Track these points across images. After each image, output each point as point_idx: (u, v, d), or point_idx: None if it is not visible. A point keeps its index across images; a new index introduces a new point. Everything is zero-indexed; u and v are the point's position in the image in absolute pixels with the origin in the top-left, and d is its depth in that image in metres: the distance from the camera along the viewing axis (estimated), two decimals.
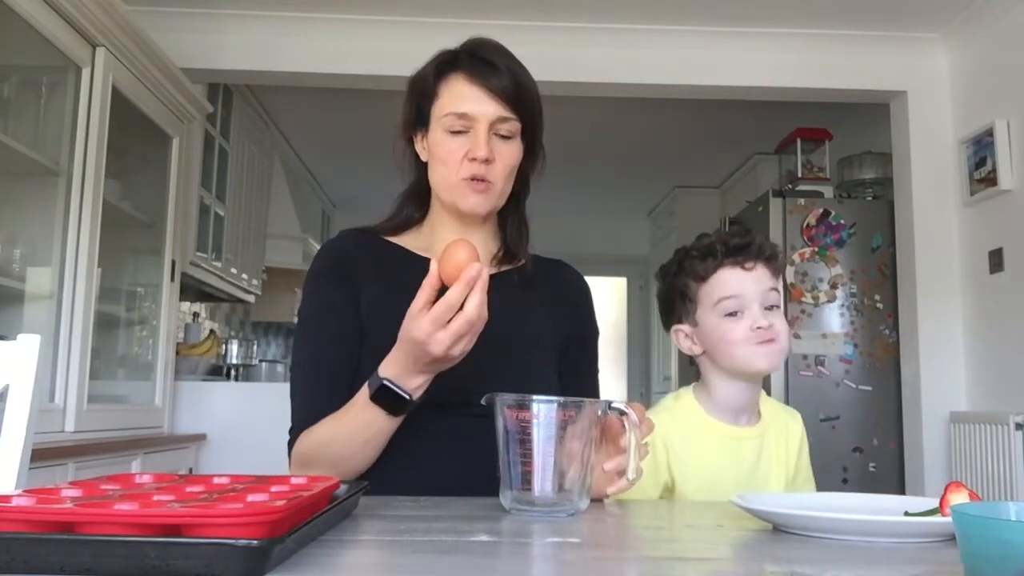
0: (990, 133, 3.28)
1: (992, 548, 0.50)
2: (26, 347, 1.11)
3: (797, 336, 3.89)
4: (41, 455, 2.05)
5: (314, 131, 5.18)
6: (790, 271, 3.97)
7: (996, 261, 3.28)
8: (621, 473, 0.96)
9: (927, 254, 3.58)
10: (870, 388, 3.95)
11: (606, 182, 6.24)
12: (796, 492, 1.34)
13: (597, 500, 1.02)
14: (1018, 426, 2.99)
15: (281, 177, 5.13)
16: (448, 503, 1.00)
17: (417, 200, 1.32)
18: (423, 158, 1.27)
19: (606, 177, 6.10)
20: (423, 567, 0.66)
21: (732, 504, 0.89)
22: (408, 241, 1.30)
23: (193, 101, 3.23)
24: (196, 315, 4.52)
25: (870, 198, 4.25)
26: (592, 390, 1.33)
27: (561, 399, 0.93)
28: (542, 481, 0.92)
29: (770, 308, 1.31)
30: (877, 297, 4.00)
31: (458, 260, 0.96)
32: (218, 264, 3.97)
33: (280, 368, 4.34)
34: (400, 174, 1.32)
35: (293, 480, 0.82)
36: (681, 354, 1.43)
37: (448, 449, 1.16)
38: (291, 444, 1.18)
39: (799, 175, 4.32)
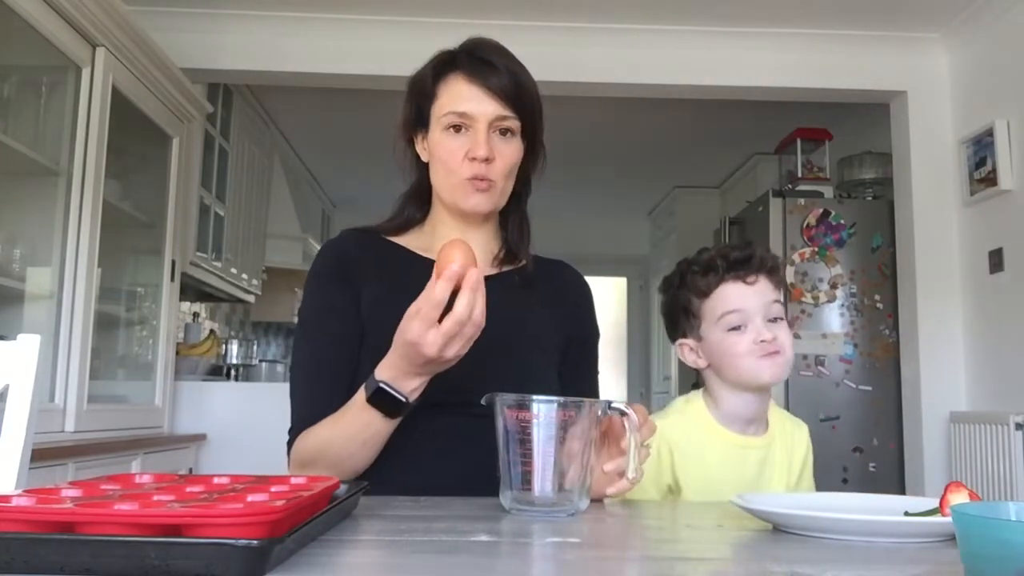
0: (990, 133, 3.28)
1: (992, 548, 0.50)
2: (26, 347, 1.11)
3: (797, 336, 3.89)
4: (41, 455, 2.05)
5: (314, 131, 5.19)
6: (790, 271, 3.97)
7: (996, 261, 3.28)
8: (621, 474, 0.96)
9: (927, 254, 3.58)
10: (870, 388, 3.95)
11: (606, 182, 6.24)
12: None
13: (597, 500, 1.02)
14: (1018, 426, 2.99)
15: (281, 177, 5.14)
16: (448, 503, 1.00)
17: (418, 200, 1.32)
18: (424, 158, 1.28)
19: (606, 177, 6.10)
20: (423, 567, 0.66)
21: (732, 504, 0.89)
22: (409, 241, 1.30)
23: (193, 101, 3.23)
24: (196, 315, 4.52)
25: (870, 198, 4.25)
26: (592, 391, 1.33)
27: (561, 399, 0.93)
28: (542, 481, 0.92)
29: (773, 320, 1.31)
30: (877, 297, 4.00)
31: (452, 261, 0.96)
32: (218, 264, 3.97)
33: (280, 368, 4.34)
34: (401, 174, 1.32)
35: (293, 480, 0.82)
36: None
37: (449, 449, 1.16)
38: (290, 444, 1.18)
39: (799, 175, 4.33)
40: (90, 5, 2.41)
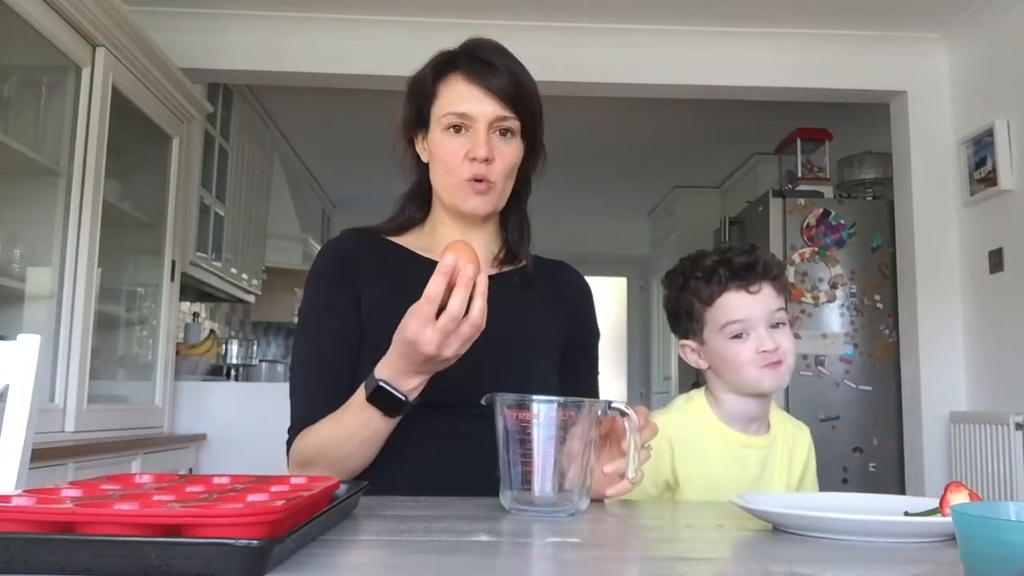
0: (990, 133, 3.28)
1: (992, 548, 0.50)
2: (26, 347, 1.11)
3: (797, 336, 3.89)
4: (41, 455, 2.05)
5: (314, 131, 5.19)
6: (790, 271, 3.97)
7: (996, 261, 3.28)
8: (622, 475, 0.96)
9: (927, 254, 3.58)
10: (870, 388, 3.95)
11: (606, 182, 6.24)
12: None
13: (597, 501, 1.02)
14: (1018, 426, 2.99)
15: (281, 177, 5.14)
16: (448, 503, 1.00)
17: (419, 201, 1.32)
18: (424, 159, 1.28)
19: (606, 177, 6.10)
20: (423, 567, 0.66)
21: (732, 504, 0.89)
22: (410, 241, 1.30)
23: (193, 101, 3.23)
24: (196, 315, 4.52)
25: (870, 198, 4.25)
26: (592, 391, 1.33)
27: (561, 399, 0.93)
28: (542, 481, 0.92)
29: (775, 326, 1.30)
30: (877, 297, 4.00)
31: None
32: (218, 264, 3.97)
33: (280, 368, 4.34)
34: (401, 175, 1.32)
35: (293, 480, 0.82)
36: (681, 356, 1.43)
37: (449, 449, 1.16)
38: (290, 443, 1.18)
39: (799, 175, 4.33)
40: (90, 5, 2.41)
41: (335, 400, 1.12)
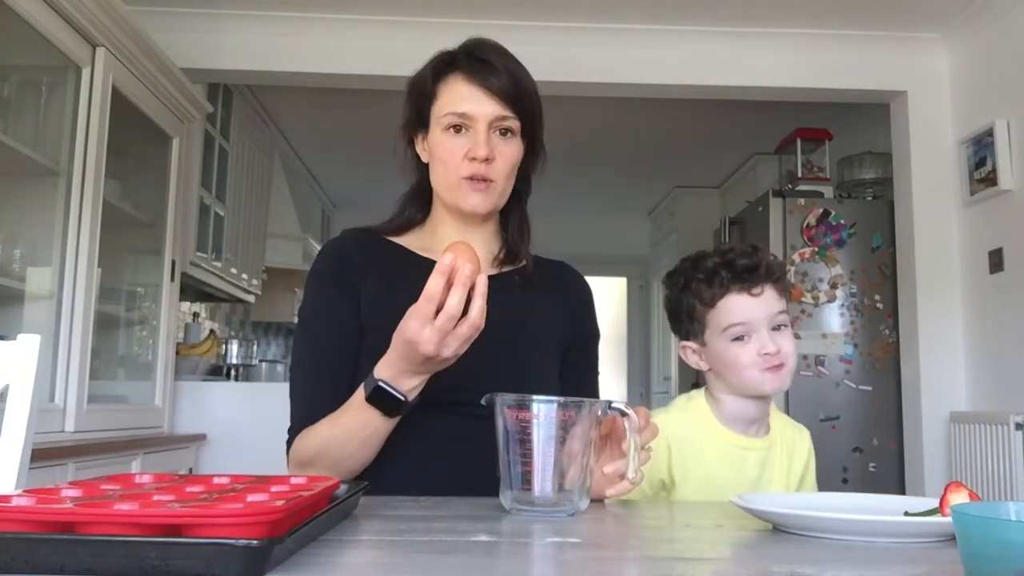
0: (990, 133, 3.28)
1: (992, 548, 0.50)
2: (26, 347, 1.11)
3: (797, 336, 3.89)
4: (41, 455, 2.05)
5: (314, 131, 5.19)
6: (790, 271, 3.97)
7: (996, 261, 3.28)
8: (622, 476, 0.96)
9: (927, 254, 3.58)
10: (870, 388, 3.95)
11: (606, 182, 6.24)
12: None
13: (597, 501, 1.02)
14: (1018, 426, 2.99)
15: (281, 177, 5.14)
16: (448, 503, 1.00)
17: (419, 201, 1.32)
18: (424, 159, 1.28)
19: (606, 177, 6.10)
20: (423, 567, 0.66)
21: (732, 504, 0.89)
22: (410, 241, 1.30)
23: (193, 101, 3.23)
24: (196, 315, 4.52)
25: (870, 198, 4.25)
26: (592, 391, 1.33)
27: (561, 399, 0.93)
28: (542, 481, 0.92)
29: (777, 328, 1.30)
30: (877, 297, 4.00)
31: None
32: (218, 264, 3.97)
33: (280, 368, 4.34)
34: (401, 175, 1.32)
35: (293, 480, 0.82)
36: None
37: (449, 449, 1.16)
38: (289, 443, 1.18)
39: (799, 175, 4.33)
40: (90, 5, 2.41)
41: (335, 400, 1.12)
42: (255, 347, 4.60)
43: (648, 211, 7.07)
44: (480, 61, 1.21)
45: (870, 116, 4.18)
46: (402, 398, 1.04)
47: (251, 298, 4.71)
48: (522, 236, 1.32)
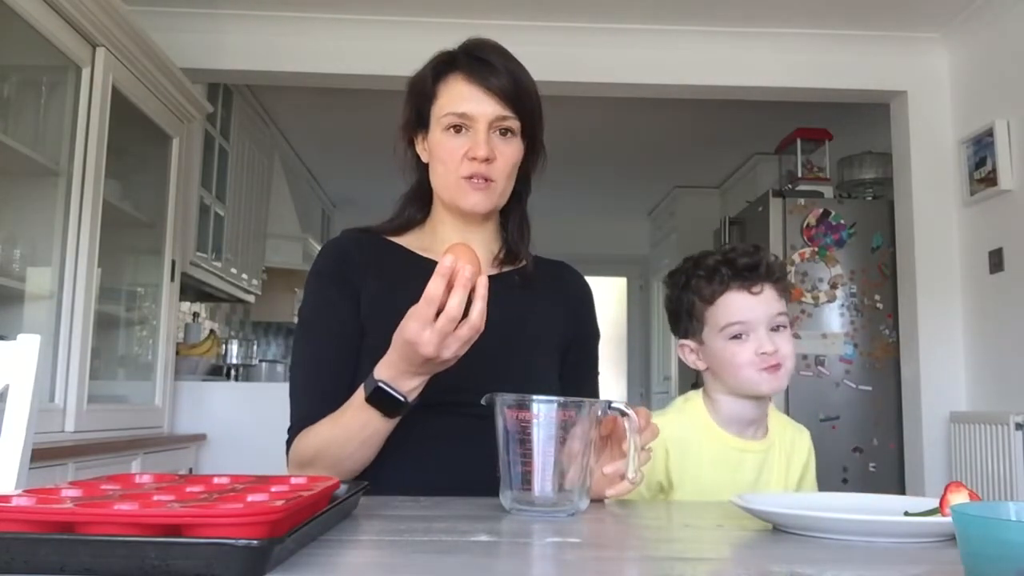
0: (990, 133, 3.28)
1: (992, 548, 0.50)
2: (26, 347, 1.11)
3: (797, 336, 3.89)
4: (41, 455, 2.05)
5: (314, 131, 5.19)
6: (790, 271, 3.97)
7: (996, 261, 3.28)
8: (622, 476, 0.96)
9: (927, 254, 3.58)
10: (870, 388, 3.95)
11: (606, 182, 6.24)
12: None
13: (597, 501, 1.02)
14: (1018, 426, 2.99)
15: (281, 177, 5.14)
16: (448, 503, 1.00)
17: (419, 201, 1.32)
18: (424, 159, 1.28)
19: (606, 177, 6.10)
20: (423, 567, 0.66)
21: (732, 504, 0.89)
22: (410, 241, 1.30)
23: (193, 101, 3.23)
24: (196, 315, 4.52)
25: (870, 198, 4.25)
26: (592, 392, 1.33)
27: (561, 399, 0.93)
28: (542, 481, 0.92)
29: (776, 329, 1.30)
30: (877, 297, 4.00)
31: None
32: (218, 264, 3.97)
33: (280, 368, 4.34)
34: (401, 175, 1.32)
35: (293, 480, 0.82)
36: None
37: (449, 449, 1.16)
38: (289, 443, 1.18)
39: (799, 175, 4.33)
40: (90, 5, 2.41)
41: (335, 400, 1.12)
42: (255, 347, 4.60)
43: (648, 211, 7.07)
44: (480, 61, 1.21)
45: (870, 116, 4.18)
46: (402, 399, 1.04)
47: (251, 298, 4.71)
48: (522, 236, 1.31)
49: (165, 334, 3.16)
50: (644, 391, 7.15)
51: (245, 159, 4.38)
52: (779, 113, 4.33)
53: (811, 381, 3.94)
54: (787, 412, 1.84)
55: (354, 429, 1.08)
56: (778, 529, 0.84)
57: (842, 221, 4.06)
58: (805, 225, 4.05)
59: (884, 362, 3.94)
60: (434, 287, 0.95)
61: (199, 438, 3.35)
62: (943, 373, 3.51)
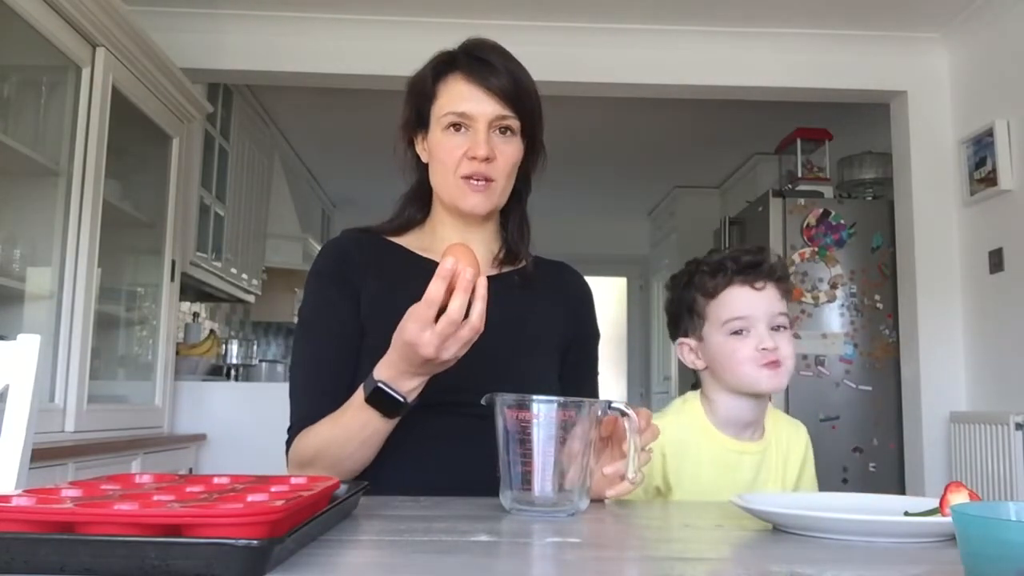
0: (990, 133, 3.28)
1: (992, 548, 0.50)
2: (26, 347, 1.11)
3: (797, 336, 3.89)
4: (41, 455, 2.05)
5: (314, 131, 5.19)
6: (790, 271, 3.96)
7: (996, 261, 3.28)
8: (622, 476, 0.96)
9: (927, 254, 3.58)
10: (870, 388, 3.95)
11: (606, 182, 6.24)
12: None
13: (597, 501, 1.02)
14: (1018, 426, 2.99)
15: (281, 177, 5.14)
16: (448, 503, 1.00)
17: (419, 201, 1.32)
18: (424, 159, 1.28)
19: (606, 177, 6.10)
20: (423, 567, 0.66)
21: (732, 504, 0.89)
22: (410, 241, 1.30)
23: (193, 101, 3.23)
24: (196, 315, 4.52)
25: (870, 198, 4.25)
26: (592, 392, 1.33)
27: (561, 399, 0.93)
28: (542, 481, 0.92)
29: (776, 329, 1.30)
30: (877, 297, 4.00)
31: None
32: (218, 264, 3.97)
33: (280, 368, 4.34)
34: (401, 176, 1.33)
35: (293, 480, 0.82)
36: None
37: (449, 449, 1.16)
38: (289, 443, 1.18)
39: (799, 175, 4.33)
40: (90, 5, 2.41)
41: (335, 400, 1.12)
42: (255, 347, 4.60)
43: (648, 211, 7.07)
44: (480, 61, 1.21)
45: (870, 116, 4.18)
46: (401, 399, 1.04)
47: (251, 298, 4.71)
48: (522, 236, 1.32)
49: (165, 334, 3.16)
50: (644, 391, 7.15)
51: (245, 159, 4.38)
52: (779, 113, 4.33)
53: (811, 381, 3.94)
54: (787, 412, 1.83)
55: (354, 429, 1.08)
56: (778, 529, 0.84)
57: (842, 221, 4.06)
58: (805, 225, 4.05)
59: (884, 362, 3.94)
60: (435, 289, 0.95)
61: (199, 438, 3.35)
62: (943, 373, 3.51)
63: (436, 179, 1.25)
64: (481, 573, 0.65)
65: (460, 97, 1.20)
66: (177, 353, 3.44)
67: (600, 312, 1.39)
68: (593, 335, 1.37)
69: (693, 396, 1.39)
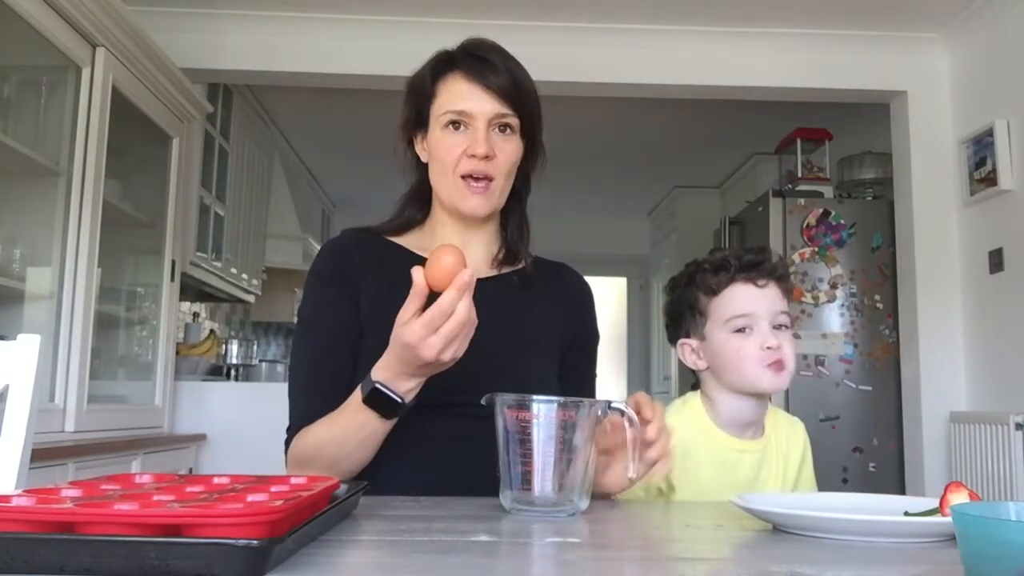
0: (990, 133, 3.27)
1: (992, 548, 0.50)
2: (26, 347, 1.11)
3: (797, 336, 3.89)
4: (41, 455, 2.05)
5: (314, 131, 5.19)
6: (790, 271, 3.96)
7: (996, 261, 3.28)
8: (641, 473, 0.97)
9: (927, 254, 3.58)
10: (870, 388, 3.95)
11: (606, 182, 6.24)
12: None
13: (602, 498, 1.02)
14: (1018, 426, 2.99)
15: (281, 177, 5.14)
16: (448, 503, 1.00)
17: (419, 201, 1.32)
18: (423, 159, 1.28)
19: (606, 177, 6.10)
20: (423, 567, 0.66)
21: (732, 504, 0.89)
22: (410, 241, 1.30)
23: (193, 101, 3.23)
24: (196, 315, 4.52)
25: (870, 198, 4.25)
26: (590, 393, 1.33)
27: (561, 399, 0.93)
28: (542, 481, 0.92)
29: (778, 328, 1.30)
30: (877, 297, 4.00)
31: (445, 264, 0.96)
32: (218, 264, 3.97)
33: (280, 368, 4.33)
34: (401, 176, 1.32)
35: (293, 480, 0.82)
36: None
37: (449, 450, 1.16)
38: (288, 443, 1.18)
39: (799, 175, 4.33)
40: (90, 5, 2.41)
41: (334, 400, 1.12)
42: (255, 347, 4.60)
43: (648, 211, 7.07)
44: (479, 59, 1.21)
45: (870, 116, 4.18)
46: (399, 400, 1.04)
47: (251, 298, 4.71)
48: (521, 237, 1.31)
49: (165, 334, 3.16)
50: (644, 391, 7.13)
51: (245, 159, 4.38)
52: (779, 113, 4.33)
53: (811, 381, 3.94)
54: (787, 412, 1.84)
55: (352, 430, 1.08)
56: (778, 529, 0.84)
57: (842, 221, 4.06)
58: (805, 225, 4.05)
59: (884, 362, 3.94)
60: (448, 301, 0.95)
61: (199, 438, 3.35)
62: (943, 373, 3.51)
63: (436, 178, 1.25)
64: (481, 573, 0.65)
65: (459, 95, 1.20)
66: (177, 353, 3.44)
67: (600, 312, 1.39)
68: (593, 336, 1.37)
69: (693, 396, 1.38)
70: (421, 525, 0.83)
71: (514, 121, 1.22)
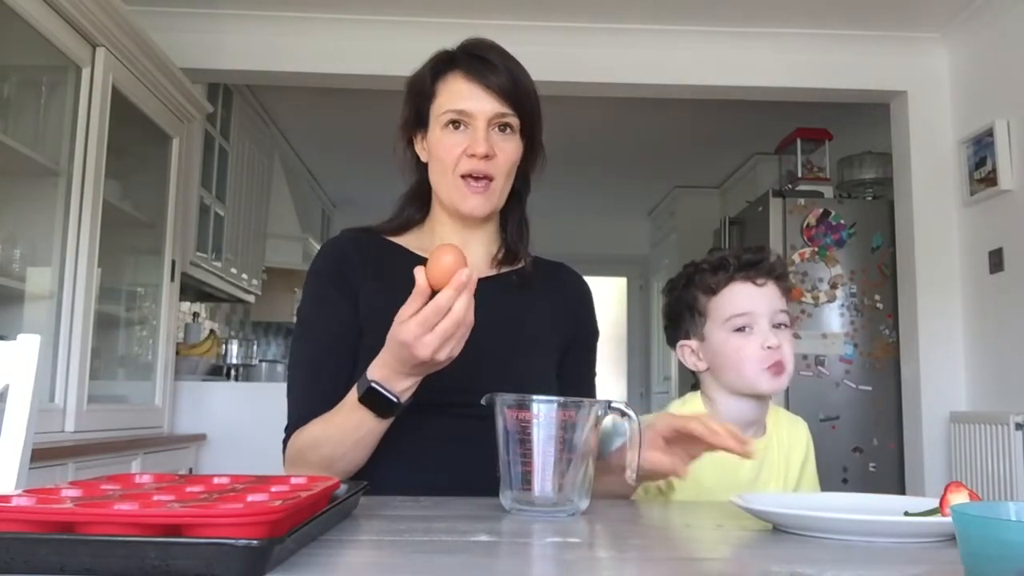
0: (990, 133, 3.27)
1: (992, 548, 0.50)
2: (26, 347, 1.11)
3: (797, 336, 3.89)
4: (41, 455, 2.05)
5: (314, 131, 5.19)
6: (790, 271, 3.96)
7: (996, 261, 3.28)
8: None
9: (927, 254, 3.58)
10: (870, 388, 3.95)
11: (606, 182, 6.24)
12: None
13: (606, 497, 1.02)
14: (1018, 426, 2.99)
15: (281, 177, 5.14)
16: (448, 503, 1.00)
17: (418, 201, 1.32)
18: (423, 159, 1.28)
19: (606, 177, 6.10)
20: (423, 567, 0.66)
21: (732, 504, 0.89)
22: (409, 241, 1.30)
23: (193, 101, 3.23)
24: (196, 315, 4.52)
25: (870, 198, 4.25)
26: (589, 393, 1.33)
27: (561, 399, 0.93)
28: (542, 481, 0.92)
29: (778, 327, 1.30)
30: (877, 297, 4.00)
31: (445, 264, 0.96)
32: (218, 264, 3.97)
33: (280, 368, 4.33)
34: (401, 176, 1.32)
35: (293, 480, 0.82)
36: None
37: (448, 450, 1.16)
38: (286, 442, 1.18)
39: (799, 175, 4.33)
40: (90, 5, 2.41)
41: (333, 400, 1.11)
42: (255, 347, 4.60)
43: (648, 211, 7.07)
44: (479, 59, 1.21)
45: (870, 116, 4.18)
46: (394, 399, 1.04)
47: (251, 298, 4.71)
48: (521, 237, 1.31)
49: (165, 334, 3.16)
50: (644, 391, 7.15)
51: (245, 159, 4.38)
52: (779, 113, 4.33)
53: (811, 381, 3.94)
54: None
55: (347, 429, 1.08)
56: (778, 529, 0.84)
57: (842, 221, 4.06)
58: (805, 225, 4.05)
59: (884, 362, 3.94)
60: (446, 299, 0.95)
61: (199, 438, 3.35)
62: (943, 373, 3.51)
63: (435, 178, 1.25)
64: (481, 573, 0.65)
65: (459, 95, 1.20)
66: (177, 353, 3.44)
67: (600, 312, 1.39)
68: (592, 334, 1.37)
69: (693, 396, 1.38)
70: (421, 525, 0.83)
71: (514, 121, 1.22)
